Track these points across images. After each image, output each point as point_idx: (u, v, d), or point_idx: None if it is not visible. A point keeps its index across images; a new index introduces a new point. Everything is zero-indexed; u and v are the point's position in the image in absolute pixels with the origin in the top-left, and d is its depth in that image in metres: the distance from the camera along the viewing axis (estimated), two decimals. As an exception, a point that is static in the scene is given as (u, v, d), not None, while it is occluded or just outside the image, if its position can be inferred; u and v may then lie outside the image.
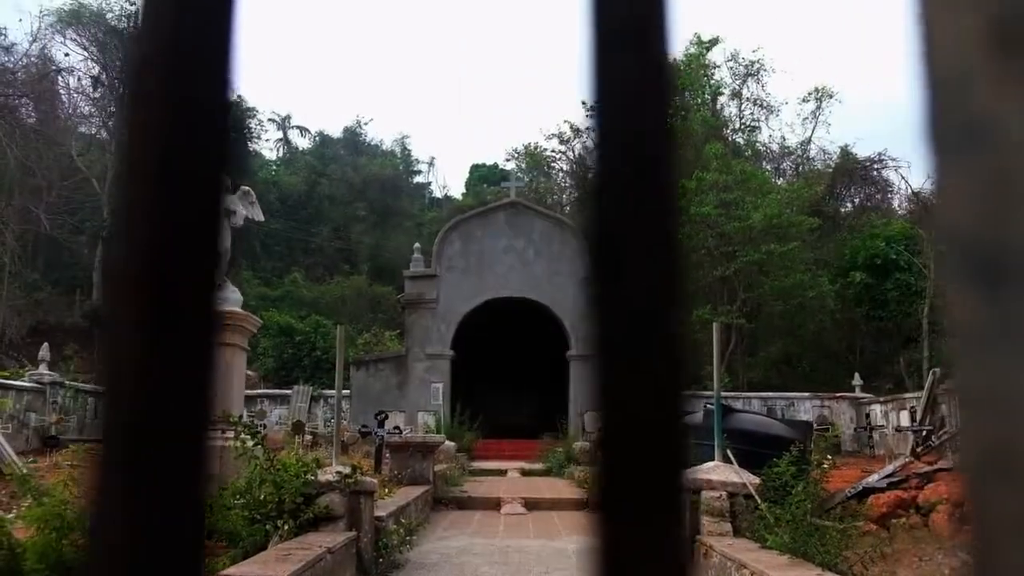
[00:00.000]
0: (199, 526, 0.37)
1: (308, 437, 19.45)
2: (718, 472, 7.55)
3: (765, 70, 37.60)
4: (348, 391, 22.75)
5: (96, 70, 40.77)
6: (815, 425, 18.64)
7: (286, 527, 6.51)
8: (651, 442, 0.36)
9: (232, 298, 10.15)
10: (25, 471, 8.73)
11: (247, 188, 10.69)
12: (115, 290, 0.37)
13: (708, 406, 9.06)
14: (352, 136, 53.01)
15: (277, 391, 25.27)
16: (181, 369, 0.37)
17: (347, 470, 7.31)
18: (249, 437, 7.15)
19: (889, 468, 10.76)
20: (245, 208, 10.29)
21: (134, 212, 0.38)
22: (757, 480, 7.39)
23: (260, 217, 10.67)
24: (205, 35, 0.37)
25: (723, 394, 8.58)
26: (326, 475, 7.22)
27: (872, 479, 10.18)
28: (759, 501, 7.12)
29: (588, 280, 0.40)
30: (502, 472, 18.50)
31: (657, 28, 0.40)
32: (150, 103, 0.37)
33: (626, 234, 0.39)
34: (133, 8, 40.15)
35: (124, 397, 0.36)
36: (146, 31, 0.37)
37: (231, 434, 7.52)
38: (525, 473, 18.70)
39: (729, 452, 7.91)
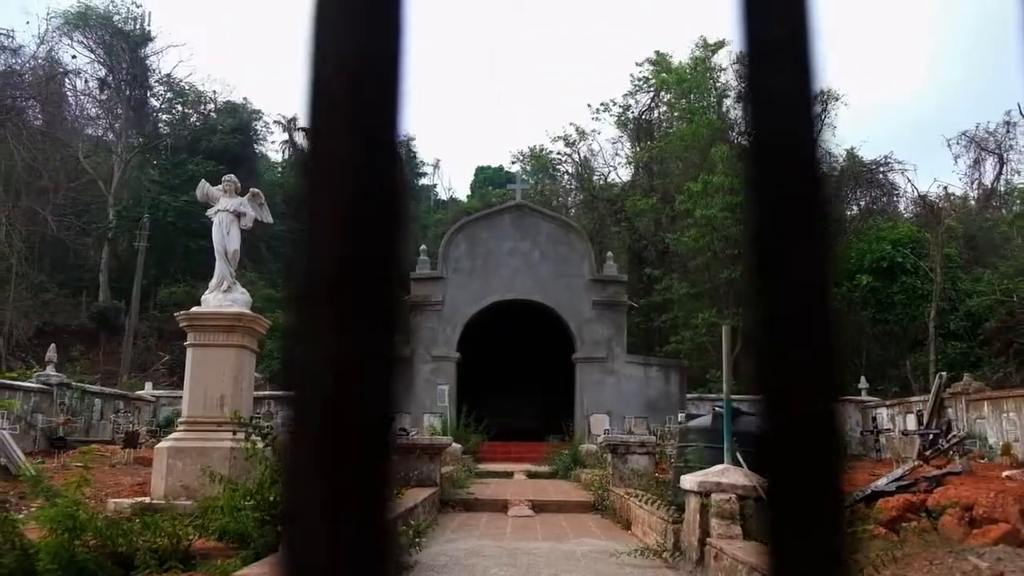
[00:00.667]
0: (391, 531, 0.38)
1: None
2: (728, 475, 7.53)
3: (771, 73, 37.55)
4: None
5: (103, 72, 40.88)
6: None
7: (297, 528, 6.51)
8: (812, 440, 0.37)
9: (241, 300, 10.17)
10: (34, 472, 8.76)
11: (256, 190, 10.71)
12: (307, 299, 0.39)
13: (717, 408, 9.06)
14: (357, 138, 53.07)
15: (284, 392, 25.30)
16: (371, 369, 0.39)
17: (357, 472, 7.31)
18: (260, 439, 7.17)
19: (898, 471, 10.73)
20: (255, 210, 10.32)
21: (323, 231, 0.40)
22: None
23: (269, 219, 10.70)
24: (382, 78, 0.39)
25: (731, 397, 8.57)
26: (336, 477, 7.22)
27: (881, 483, 10.15)
28: (769, 504, 7.11)
29: (746, 277, 0.41)
30: (508, 474, 18.49)
31: (804, 42, 0.41)
32: (335, 137, 0.39)
33: (783, 232, 0.40)
34: (139, 11, 40.27)
35: (323, 397, 0.38)
36: (328, 73, 0.39)
37: (242, 435, 7.53)
38: (531, 475, 18.69)
39: (739, 455, 7.89)
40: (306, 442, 0.38)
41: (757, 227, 0.41)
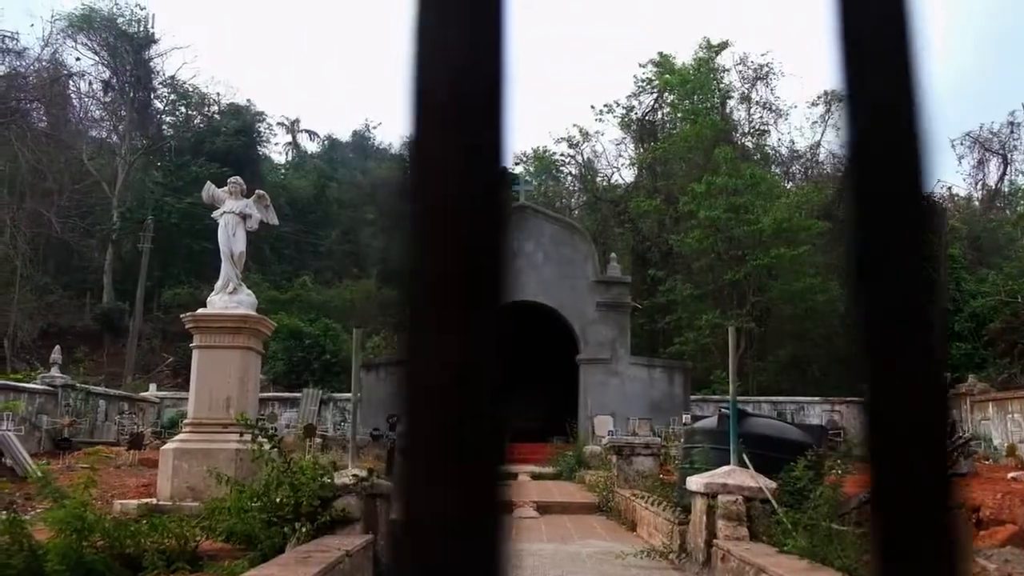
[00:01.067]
0: (507, 539, 0.39)
1: (318, 440, 19.46)
2: (734, 476, 7.53)
3: (774, 74, 37.59)
4: (358, 394, 22.75)
5: (107, 74, 40.96)
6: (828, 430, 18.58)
7: (304, 530, 6.52)
8: (920, 442, 0.37)
9: (247, 301, 10.19)
10: (40, 473, 8.77)
11: (262, 192, 10.73)
12: (422, 304, 0.40)
13: (723, 410, 9.05)
14: (361, 140, 53.17)
15: (287, 394, 25.33)
16: (485, 374, 0.40)
17: (363, 473, 7.31)
18: (266, 440, 7.18)
19: (903, 473, 10.69)
20: (260, 212, 10.33)
21: (431, 241, 0.41)
22: (773, 484, 7.37)
23: (275, 221, 10.72)
24: (485, 96, 0.40)
25: (737, 398, 8.56)
26: (342, 478, 7.22)
27: (887, 484, 10.11)
28: (776, 505, 7.10)
29: (849, 280, 0.41)
30: (512, 476, 18.47)
31: (906, 45, 0.41)
32: (442, 150, 0.40)
33: (885, 235, 0.41)
34: (143, 13, 40.35)
35: (440, 407, 0.38)
36: (432, 88, 0.40)
37: (248, 436, 7.54)
38: (536, 477, 18.68)
39: (745, 456, 7.88)
40: (424, 451, 0.39)
41: (859, 232, 0.41)
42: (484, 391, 0.39)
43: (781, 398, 25.38)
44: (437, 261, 0.40)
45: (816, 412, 24.57)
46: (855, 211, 0.42)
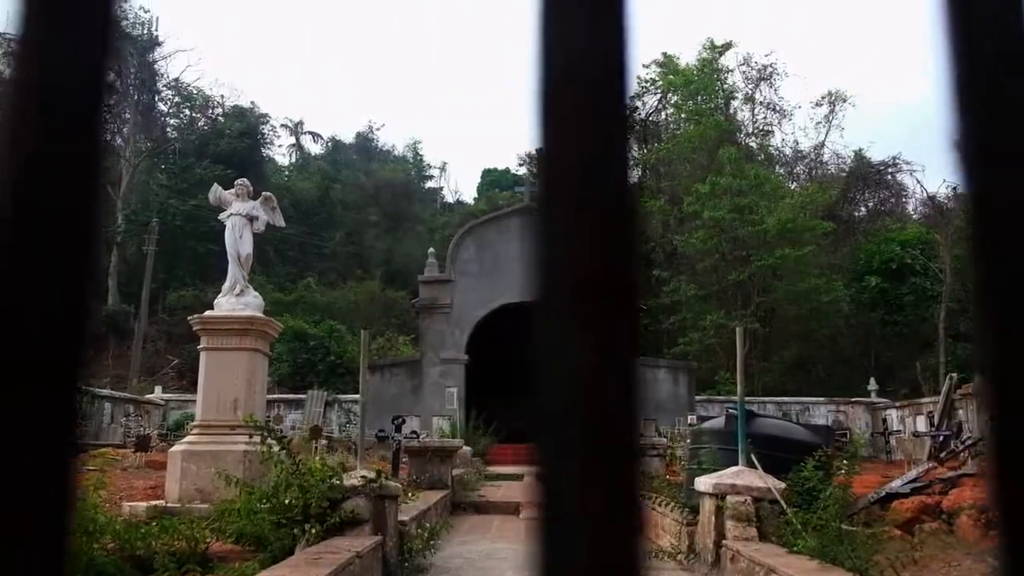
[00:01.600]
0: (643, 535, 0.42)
1: (323, 442, 19.48)
2: (743, 477, 7.52)
3: (778, 74, 37.55)
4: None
5: (111, 77, 41.03)
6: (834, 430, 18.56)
7: (313, 531, 6.52)
8: None
9: (254, 303, 10.20)
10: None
11: (269, 194, 10.74)
12: (555, 310, 0.41)
13: (730, 411, 9.04)
14: (364, 141, 53.22)
15: (292, 396, 25.35)
16: (622, 375, 0.41)
17: (372, 474, 7.32)
18: (275, 442, 7.19)
19: (912, 473, 10.69)
20: (267, 214, 10.34)
21: (565, 243, 0.42)
22: (782, 485, 7.37)
23: (282, 223, 10.74)
24: (612, 97, 0.41)
25: (744, 399, 8.55)
26: (351, 479, 7.22)
27: (895, 484, 10.11)
28: (784, 506, 7.10)
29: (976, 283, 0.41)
30: (518, 476, 18.47)
31: None
32: (574, 153, 0.41)
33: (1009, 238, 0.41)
34: (147, 15, 40.43)
35: (582, 407, 0.39)
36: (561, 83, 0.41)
37: (256, 438, 7.55)
38: (541, 478, 18.66)
39: (753, 457, 7.88)
40: (565, 451, 0.39)
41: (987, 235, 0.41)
42: (632, 388, 0.40)
43: (786, 398, 25.34)
44: (579, 265, 0.40)
45: (821, 412, 24.53)
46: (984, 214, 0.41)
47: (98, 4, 0.43)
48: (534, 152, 0.42)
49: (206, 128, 42.98)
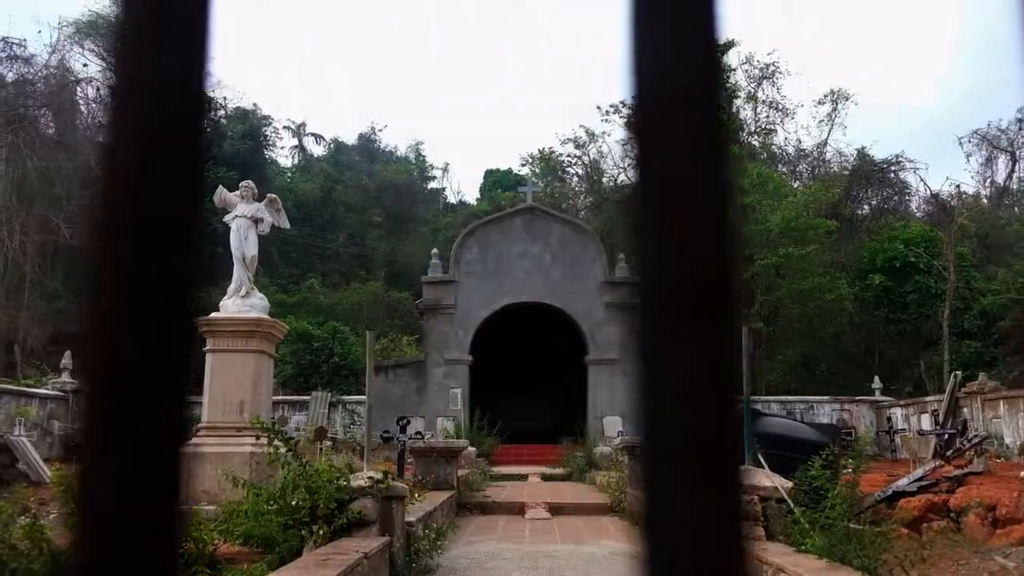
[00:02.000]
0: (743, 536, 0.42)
1: (328, 443, 19.49)
2: (749, 476, 7.52)
3: (780, 73, 37.53)
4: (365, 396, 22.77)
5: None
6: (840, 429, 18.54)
7: (321, 532, 6.53)
8: None
9: (260, 305, 10.21)
10: (55, 478, 8.80)
11: (273, 196, 10.75)
12: (657, 314, 0.41)
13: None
14: (367, 143, 53.23)
15: (296, 397, 25.37)
16: (721, 380, 0.42)
17: (379, 475, 7.32)
18: (282, 443, 7.20)
19: (919, 472, 10.67)
20: (272, 215, 10.35)
21: (664, 242, 0.43)
22: (789, 484, 7.37)
23: (286, 224, 10.75)
24: (702, 97, 0.42)
25: (751, 398, 8.55)
26: (358, 480, 7.24)
27: (902, 483, 10.10)
28: (792, 505, 7.09)
29: None
30: (523, 477, 18.48)
31: None
32: (670, 155, 0.42)
33: None
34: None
35: (683, 412, 0.41)
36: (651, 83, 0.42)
37: (263, 440, 7.56)
38: (546, 478, 18.68)
39: (760, 456, 7.88)
40: (668, 455, 0.40)
41: None
42: (732, 394, 0.41)
43: (790, 397, 25.32)
44: (680, 266, 0.41)
45: (825, 411, 24.50)
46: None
47: (198, 24, 0.44)
48: (630, 150, 0.43)
49: (208, 130, 42.89)
